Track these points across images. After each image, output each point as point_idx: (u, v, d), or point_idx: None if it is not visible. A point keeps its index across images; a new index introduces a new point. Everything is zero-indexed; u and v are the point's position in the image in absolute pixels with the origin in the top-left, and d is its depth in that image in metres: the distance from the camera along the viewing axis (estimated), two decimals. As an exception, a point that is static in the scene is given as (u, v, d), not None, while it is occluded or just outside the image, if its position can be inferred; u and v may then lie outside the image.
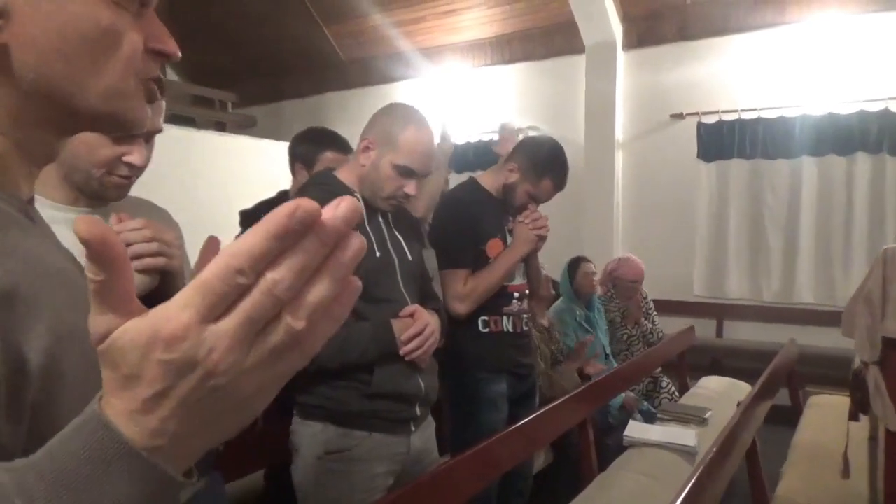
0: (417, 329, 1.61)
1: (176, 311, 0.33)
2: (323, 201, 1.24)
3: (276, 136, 5.64)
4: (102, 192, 1.12)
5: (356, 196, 1.65)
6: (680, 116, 5.20)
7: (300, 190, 1.75)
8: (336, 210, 0.34)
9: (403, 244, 1.74)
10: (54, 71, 0.50)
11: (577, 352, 3.20)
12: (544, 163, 2.20)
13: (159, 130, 1.15)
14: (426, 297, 1.80)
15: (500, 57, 6.05)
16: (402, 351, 1.59)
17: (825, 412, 3.16)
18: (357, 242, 0.35)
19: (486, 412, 2.15)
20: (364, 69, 6.77)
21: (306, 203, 0.32)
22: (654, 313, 4.00)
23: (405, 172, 1.63)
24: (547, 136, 2.36)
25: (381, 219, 1.71)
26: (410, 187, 1.65)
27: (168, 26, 0.57)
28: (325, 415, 1.58)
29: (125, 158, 1.09)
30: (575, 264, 3.54)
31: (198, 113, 6.53)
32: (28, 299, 0.48)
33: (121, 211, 1.10)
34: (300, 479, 1.61)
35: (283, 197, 2.37)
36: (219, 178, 4.79)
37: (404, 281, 1.69)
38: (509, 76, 6.01)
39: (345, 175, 1.71)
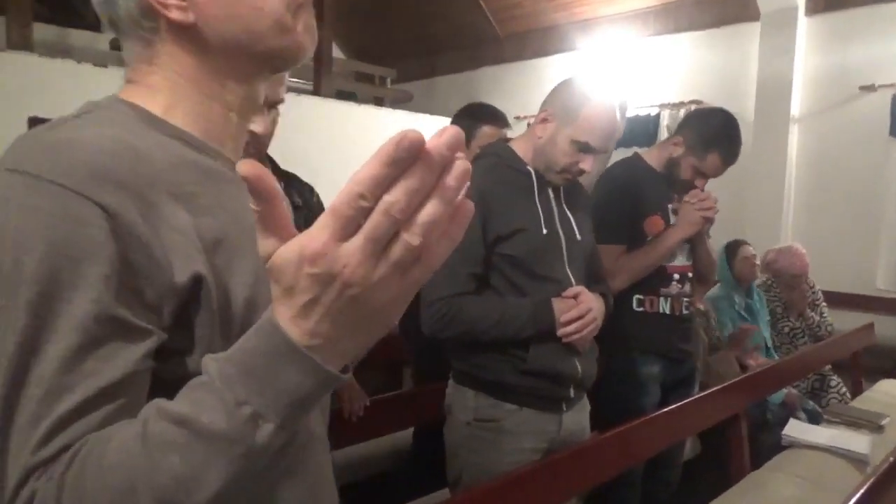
0: (579, 312, 1.57)
1: (316, 233, 0.40)
2: (491, 172, 1.24)
3: (431, 110, 5.77)
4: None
5: (528, 170, 1.65)
6: (871, 89, 4.62)
7: (473, 160, 1.77)
8: (440, 139, 0.39)
9: (573, 222, 1.69)
10: (234, 30, 0.63)
11: (738, 338, 2.98)
12: (713, 135, 2.06)
13: (280, 100, 1.22)
14: (594, 280, 1.75)
15: (665, 26, 5.72)
16: (560, 332, 1.56)
17: None
18: (461, 166, 0.40)
19: (633, 394, 2.08)
20: (520, 43, 6.71)
21: (410, 132, 0.37)
22: (823, 304, 3.63)
23: (583, 148, 1.58)
24: (718, 108, 2.18)
25: (551, 193, 1.67)
26: (587, 163, 1.60)
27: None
28: (478, 383, 1.61)
29: (250, 127, 1.13)
30: (733, 248, 3.31)
31: (359, 88, 6.83)
32: (233, 245, 0.61)
33: None
34: (450, 440, 1.66)
35: None
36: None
37: (570, 260, 1.65)
38: (674, 47, 5.67)
39: (519, 146, 1.69)
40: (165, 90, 0.64)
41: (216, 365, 0.47)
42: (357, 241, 0.40)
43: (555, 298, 1.58)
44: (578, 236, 1.69)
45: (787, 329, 3.48)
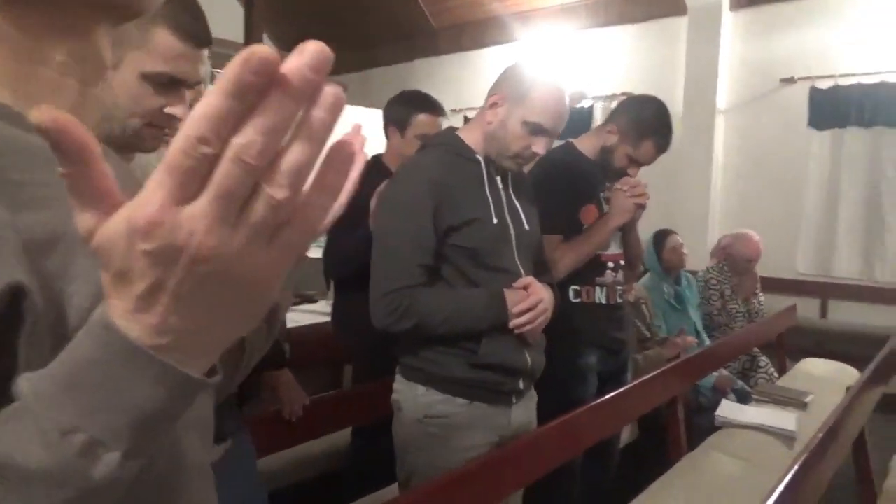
0: (531, 303, 1.56)
1: (148, 197, 0.30)
2: (441, 162, 1.17)
3: (367, 102, 5.69)
4: (137, 142, 1.04)
5: (478, 158, 1.62)
6: (791, 81, 4.84)
7: (419, 150, 1.74)
8: (301, 58, 0.29)
9: (521, 212, 1.68)
10: None
11: (674, 344, 3.05)
12: (647, 123, 2.08)
13: (198, 81, 1.08)
14: (541, 270, 1.74)
15: (597, 20, 5.82)
16: (513, 324, 1.55)
17: (944, 403, 2.91)
18: (332, 92, 0.31)
19: (573, 384, 2.09)
20: (455, 35, 6.70)
21: (259, 48, 0.28)
22: (759, 291, 3.79)
23: (536, 130, 1.57)
24: (651, 96, 2.21)
25: (500, 183, 1.66)
26: (539, 145, 1.59)
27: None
28: (428, 379, 1.58)
29: (168, 110, 1.03)
30: (661, 237, 3.37)
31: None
32: (72, 244, 0.46)
33: (150, 166, 1.08)
34: (400, 438, 1.63)
35: (377, 160, 2.38)
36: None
37: (519, 251, 1.64)
38: (605, 40, 5.79)
39: (467, 134, 1.67)
40: None
41: (31, 385, 0.35)
42: (204, 201, 0.30)
43: (507, 290, 1.57)
44: (526, 226, 1.68)
45: (733, 310, 3.59)
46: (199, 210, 0.30)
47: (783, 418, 2.57)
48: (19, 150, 0.47)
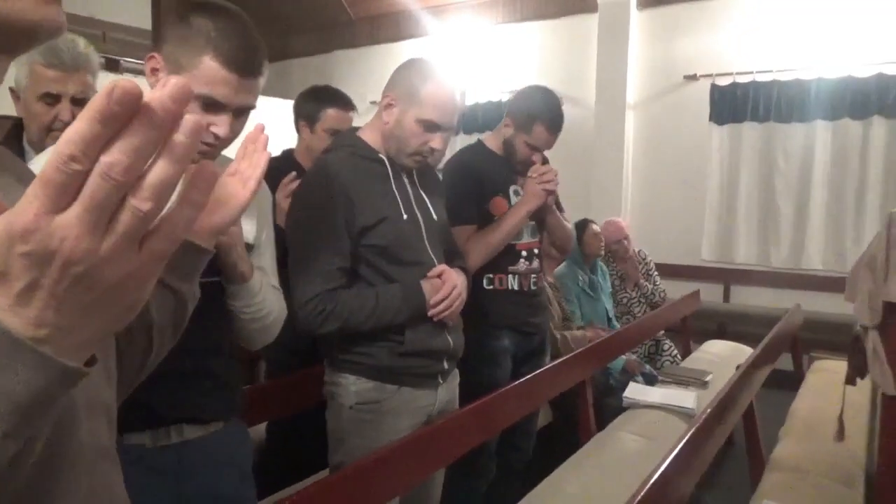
0: (446, 291, 1.64)
1: (25, 206, 0.35)
2: (348, 164, 1.20)
3: (284, 94, 5.59)
4: None
5: (381, 158, 1.66)
6: (693, 78, 5.11)
7: (325, 152, 1.76)
8: (163, 90, 0.34)
9: (428, 204, 1.75)
10: None
11: (596, 331, 3.18)
12: (533, 108, 2.17)
13: (252, 107, 1.18)
14: (452, 256, 1.81)
15: (512, 15, 5.93)
16: (431, 313, 1.63)
17: (827, 377, 3.16)
18: (191, 121, 0.36)
19: (487, 367, 2.18)
20: (372, 27, 6.67)
21: (124, 82, 0.33)
22: (656, 274, 3.99)
23: (430, 127, 1.62)
24: (535, 84, 2.30)
25: (405, 179, 1.71)
26: (436, 141, 1.64)
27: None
28: (359, 369, 1.64)
29: (211, 129, 1.12)
30: (581, 226, 3.51)
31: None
32: None
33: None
34: (333, 425, 1.68)
35: (288, 156, 2.36)
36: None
37: (430, 241, 1.71)
38: (520, 35, 5.91)
39: (368, 135, 1.71)
40: None
41: None
42: (74, 211, 0.34)
43: (422, 280, 1.64)
44: (435, 216, 1.75)
45: (625, 300, 3.78)
46: (70, 219, 0.34)
47: (684, 397, 2.73)
48: None
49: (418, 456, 1.61)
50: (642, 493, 1.30)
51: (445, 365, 1.73)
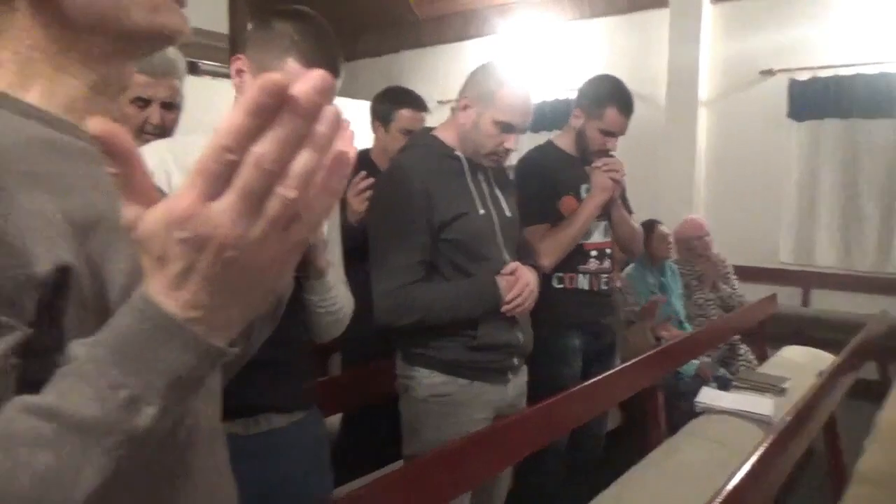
0: (520, 288, 1.67)
1: (183, 194, 0.37)
2: (425, 161, 1.26)
3: (353, 94, 5.70)
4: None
5: (458, 156, 1.72)
6: (770, 73, 4.90)
7: (401, 151, 1.84)
8: (307, 84, 0.36)
9: (502, 201, 1.80)
10: (100, 3, 0.56)
11: (649, 310, 3.12)
12: (602, 92, 2.17)
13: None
14: (524, 253, 1.85)
15: (580, 11, 5.85)
16: (505, 308, 1.66)
17: (917, 387, 2.99)
18: (332, 111, 0.37)
19: (556, 366, 2.17)
20: (439, 27, 6.70)
21: (273, 76, 0.35)
22: (734, 277, 3.86)
23: (506, 128, 1.67)
24: (602, 73, 2.30)
25: (481, 176, 1.76)
26: (510, 142, 1.70)
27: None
28: (431, 362, 1.69)
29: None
30: (648, 227, 3.43)
31: (277, 73, 6.67)
32: (111, 227, 0.54)
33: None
34: (407, 417, 1.73)
35: (364, 155, 2.42)
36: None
37: (504, 238, 1.76)
38: (589, 32, 5.82)
39: (444, 133, 1.77)
40: (17, 67, 0.57)
41: (84, 349, 0.42)
42: (228, 199, 0.37)
43: (497, 277, 1.68)
44: (508, 213, 1.79)
45: (700, 301, 3.66)
46: (224, 206, 0.37)
47: (761, 404, 2.63)
48: (57, 147, 0.55)
49: (488, 452, 1.63)
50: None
51: (515, 361, 1.77)
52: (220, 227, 0.37)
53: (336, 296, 1.33)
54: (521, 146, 2.55)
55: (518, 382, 1.83)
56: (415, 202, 1.62)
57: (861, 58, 4.50)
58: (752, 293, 4.16)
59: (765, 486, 1.64)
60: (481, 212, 1.71)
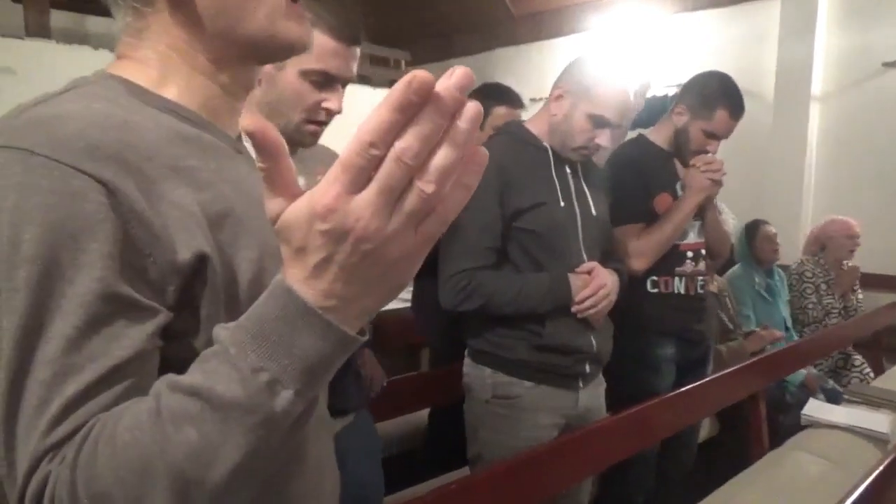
0: (594, 288, 1.60)
1: (326, 188, 0.39)
2: (508, 147, 1.25)
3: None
4: (299, 137, 1.19)
5: (545, 146, 1.67)
6: (894, 65, 4.53)
7: (489, 140, 1.78)
8: (450, 80, 0.37)
9: (589, 198, 1.72)
10: (228, 9, 0.60)
11: (760, 338, 2.94)
12: (715, 93, 2.04)
13: (351, 78, 1.21)
14: (608, 256, 1.77)
15: (684, 4, 5.63)
16: (575, 308, 1.60)
17: None
18: (473, 108, 0.38)
19: (648, 375, 2.08)
20: (534, 24, 6.64)
21: (420, 73, 0.35)
22: (860, 291, 3.59)
23: (599, 122, 1.60)
24: (710, 70, 2.15)
25: (568, 169, 1.70)
26: (603, 138, 1.62)
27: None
28: (496, 361, 1.64)
29: (324, 105, 1.16)
30: (753, 228, 3.27)
31: (374, 72, 6.82)
32: (239, 220, 0.58)
33: (307, 158, 1.20)
34: (470, 418, 1.69)
35: None
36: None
37: (584, 236, 1.68)
38: (692, 25, 5.59)
39: (534, 125, 1.71)
40: (157, 64, 0.61)
41: (228, 333, 0.45)
42: (370, 193, 0.38)
43: (570, 274, 1.61)
44: (594, 212, 1.71)
45: (829, 305, 3.41)
46: (366, 200, 0.38)
47: (875, 420, 2.43)
48: (192, 143, 0.59)
49: (567, 460, 1.56)
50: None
51: (587, 367, 1.66)
52: (361, 220, 0.38)
53: None
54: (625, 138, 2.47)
55: (593, 392, 1.73)
56: (489, 186, 1.56)
57: None
58: (871, 302, 3.86)
59: (882, 508, 1.52)
60: (562, 204, 1.63)
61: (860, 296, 3.57)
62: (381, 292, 0.44)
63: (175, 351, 0.54)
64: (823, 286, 3.43)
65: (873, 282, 4.48)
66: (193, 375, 0.45)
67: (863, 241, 4.60)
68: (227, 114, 0.66)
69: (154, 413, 0.45)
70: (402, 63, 7.39)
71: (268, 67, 1.15)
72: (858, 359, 3.38)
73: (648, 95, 5.62)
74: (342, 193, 0.38)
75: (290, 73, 1.12)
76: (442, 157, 0.38)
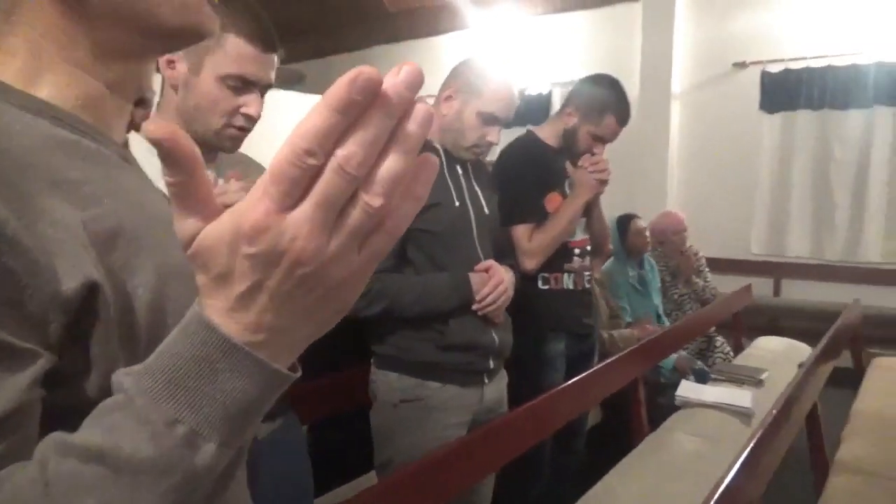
0: (493, 285, 1.63)
1: (254, 204, 0.33)
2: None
3: (325, 91, 5.63)
4: (219, 143, 1.17)
5: (436, 147, 1.67)
6: (742, 66, 4.95)
7: None
8: (398, 77, 0.32)
9: (481, 197, 1.74)
10: None
11: (644, 328, 3.10)
12: (604, 99, 2.12)
13: (270, 84, 1.20)
14: (501, 253, 1.80)
15: (553, 5, 5.84)
16: (477, 307, 1.62)
17: (889, 375, 3.04)
18: (423, 110, 0.33)
19: (543, 371, 2.14)
20: (412, 21, 6.65)
21: (366, 69, 0.31)
22: (707, 270, 3.88)
23: (489, 120, 1.64)
24: (602, 74, 2.23)
25: (459, 169, 1.71)
26: (493, 135, 1.66)
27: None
28: (401, 365, 1.63)
29: (243, 110, 1.15)
30: (625, 221, 3.43)
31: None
32: (132, 238, 0.49)
33: (224, 164, 1.19)
34: (378, 424, 1.67)
35: None
36: (268, 133, 4.83)
37: (479, 234, 1.71)
38: (562, 25, 5.82)
39: None
40: (26, 55, 0.50)
41: (132, 379, 0.37)
42: (307, 208, 0.32)
43: (470, 273, 1.63)
44: (486, 210, 1.74)
45: (675, 296, 3.68)
46: (302, 216, 0.32)
47: (740, 396, 2.64)
48: (73, 151, 0.49)
49: (472, 458, 1.57)
50: (713, 501, 1.25)
51: (491, 363, 1.70)
52: (297, 240, 0.33)
53: None
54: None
55: (496, 387, 1.76)
56: None
57: (832, 49, 4.57)
58: (725, 285, 4.20)
59: (757, 480, 1.64)
60: (457, 204, 1.66)
61: (708, 277, 3.84)
62: (320, 320, 0.38)
63: (61, 398, 0.44)
64: (668, 278, 3.68)
65: (727, 266, 4.90)
66: (90, 433, 0.37)
67: (715, 228, 5.01)
68: (112, 117, 0.56)
69: (40, 485, 0.36)
70: (276, 61, 7.15)
71: (184, 73, 1.11)
72: (720, 339, 3.66)
73: (526, 94, 5.82)
74: (273, 210, 0.32)
75: (207, 79, 1.10)
76: (390, 165, 0.33)
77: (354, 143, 0.32)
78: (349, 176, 0.32)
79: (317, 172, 0.32)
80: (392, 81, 0.32)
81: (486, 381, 1.71)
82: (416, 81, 0.32)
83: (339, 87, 0.31)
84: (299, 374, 0.40)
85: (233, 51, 1.08)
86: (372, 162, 0.32)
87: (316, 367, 2.22)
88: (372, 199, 0.33)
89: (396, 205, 0.35)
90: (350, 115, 0.31)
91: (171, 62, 1.12)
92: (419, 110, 0.33)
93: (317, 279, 0.34)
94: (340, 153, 0.32)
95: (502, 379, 1.80)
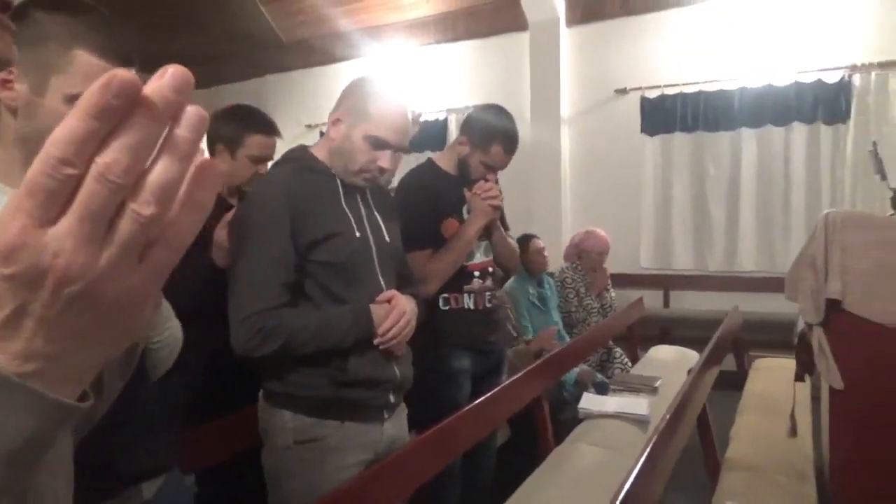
0: (395, 318, 1.55)
1: (8, 220, 0.30)
2: (297, 176, 1.13)
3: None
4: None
5: (333, 173, 1.60)
6: (623, 91, 5.26)
7: (273, 166, 1.68)
8: (162, 80, 0.30)
9: (382, 226, 1.67)
10: None
11: (539, 339, 3.19)
12: (491, 129, 2.18)
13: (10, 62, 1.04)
14: (404, 281, 1.74)
15: (444, 35, 5.99)
16: (378, 341, 1.53)
17: (769, 375, 3.27)
18: (194, 112, 0.31)
19: (447, 388, 2.15)
20: (305, 50, 6.61)
21: (121, 72, 0.29)
22: (612, 289, 4.07)
23: (378, 144, 1.56)
24: (491, 104, 2.31)
25: (359, 198, 1.64)
26: (384, 160, 1.57)
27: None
28: (295, 403, 1.52)
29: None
30: (524, 242, 3.53)
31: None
32: None
33: None
34: (270, 467, 1.56)
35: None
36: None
37: (381, 264, 1.63)
38: (454, 54, 5.97)
39: (318, 152, 1.63)
40: None
41: None
42: (69, 221, 0.30)
43: (372, 305, 1.56)
44: (387, 239, 1.68)
45: (589, 306, 3.81)
46: (64, 230, 0.30)
47: (637, 404, 2.77)
48: None
49: (377, 490, 1.52)
50: (615, 506, 1.29)
51: (392, 398, 1.62)
52: (61, 257, 0.30)
53: (171, 326, 1.19)
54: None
55: (397, 422, 1.68)
56: (278, 216, 1.47)
57: (702, 76, 4.94)
58: (619, 298, 4.40)
59: (656, 482, 1.71)
60: (357, 234, 1.58)
61: (612, 294, 4.05)
62: (102, 343, 0.34)
63: None
64: (583, 289, 3.84)
65: (620, 280, 5.13)
66: None
67: (610, 245, 5.24)
68: None
69: None
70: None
71: (25, 95, 0.98)
72: (619, 351, 3.83)
73: (422, 120, 5.90)
74: (30, 225, 0.30)
75: (53, 100, 0.97)
76: (160, 171, 0.31)
77: (116, 150, 0.30)
78: (112, 184, 0.30)
79: (78, 183, 0.30)
80: (156, 85, 0.30)
81: (387, 416, 1.63)
82: (183, 84, 0.31)
83: (93, 91, 0.29)
84: (90, 402, 0.36)
85: (82, 67, 0.96)
86: (138, 169, 0.31)
87: (202, 410, 2.07)
88: (141, 207, 0.31)
89: (177, 215, 0.33)
90: (108, 121, 0.29)
91: (6, 82, 0.96)
92: (190, 113, 0.31)
93: (89, 298, 0.32)
94: (101, 160, 0.30)
95: (402, 412, 1.74)
